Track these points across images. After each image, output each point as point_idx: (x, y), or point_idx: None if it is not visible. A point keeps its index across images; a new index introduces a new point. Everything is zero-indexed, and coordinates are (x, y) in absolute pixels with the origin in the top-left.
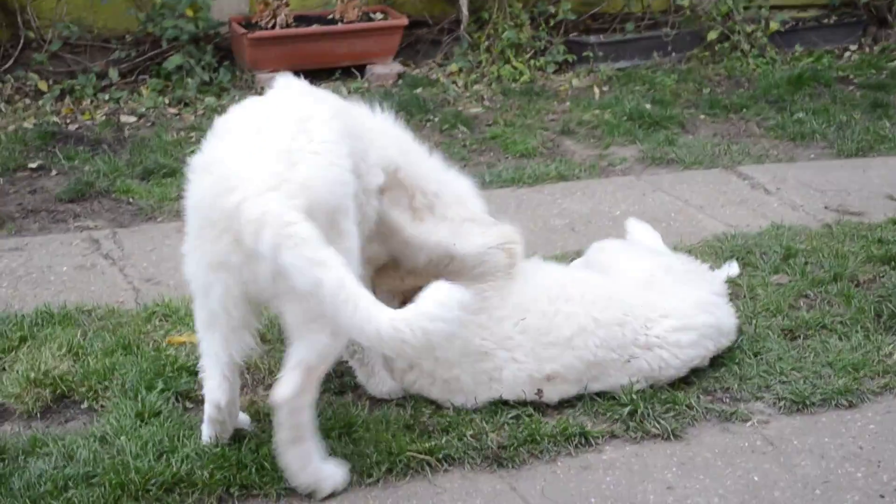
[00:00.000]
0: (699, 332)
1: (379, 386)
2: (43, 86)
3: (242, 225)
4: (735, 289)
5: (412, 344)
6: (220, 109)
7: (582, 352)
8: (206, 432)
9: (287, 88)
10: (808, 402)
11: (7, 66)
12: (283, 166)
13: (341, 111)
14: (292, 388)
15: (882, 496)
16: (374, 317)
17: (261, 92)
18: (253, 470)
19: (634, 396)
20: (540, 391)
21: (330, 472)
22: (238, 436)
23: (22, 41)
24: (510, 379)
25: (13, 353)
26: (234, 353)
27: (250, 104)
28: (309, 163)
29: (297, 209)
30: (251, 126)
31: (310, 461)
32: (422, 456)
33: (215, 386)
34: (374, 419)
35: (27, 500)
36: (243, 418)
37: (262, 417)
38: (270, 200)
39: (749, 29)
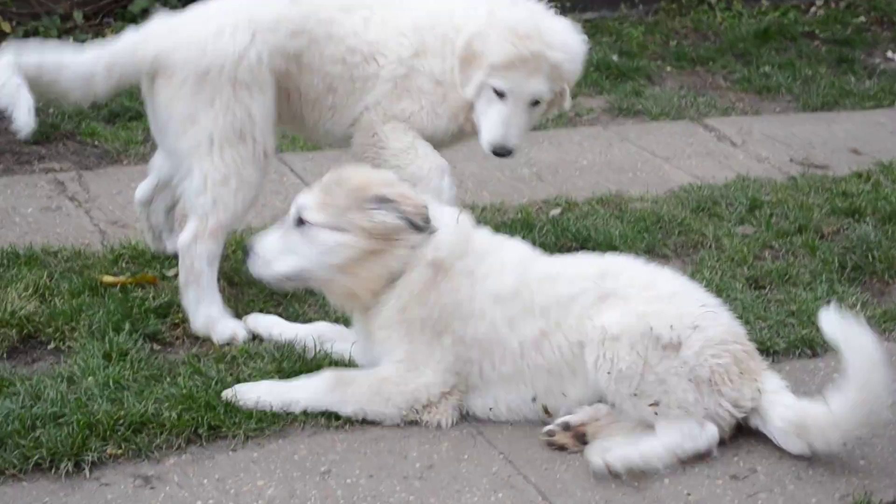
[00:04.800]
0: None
1: None
2: (6, 27)
3: None
4: (701, 238)
5: None
6: None
7: None
8: None
9: None
10: (772, 351)
11: None
12: None
13: None
14: (187, 234)
15: (844, 444)
16: None
17: None
18: (221, 411)
19: None
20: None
21: (225, 323)
22: (206, 379)
23: None
24: None
25: None
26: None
27: None
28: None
29: None
30: None
31: (202, 304)
32: None
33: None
34: None
35: None
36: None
37: (230, 361)
38: None
39: None
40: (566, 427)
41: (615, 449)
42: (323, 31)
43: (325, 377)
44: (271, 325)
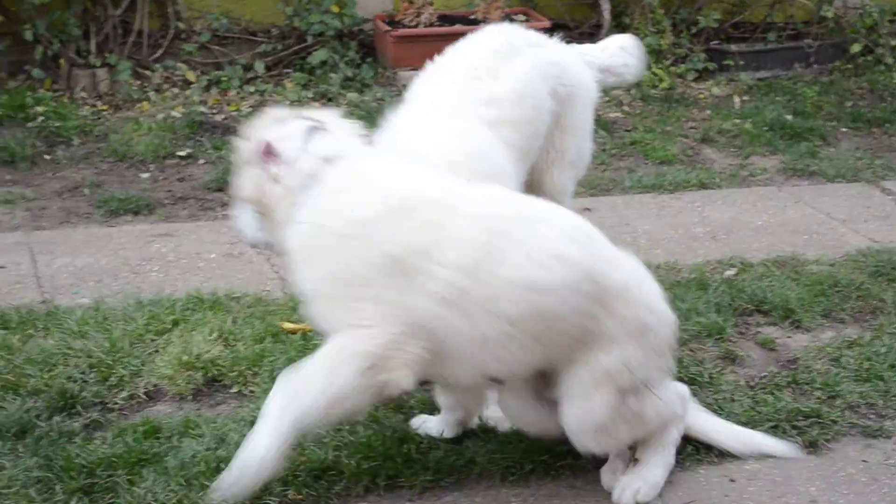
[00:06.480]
0: None
1: None
2: (191, 76)
3: None
4: (879, 304)
5: None
6: (363, 105)
7: None
8: None
9: None
10: None
11: (157, 55)
12: None
13: None
14: None
15: None
16: None
17: (402, 89)
18: (399, 461)
19: (778, 406)
20: None
21: None
22: (384, 428)
23: (172, 32)
24: None
25: (166, 335)
26: None
27: None
28: None
29: None
30: None
31: None
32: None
33: None
34: None
35: (181, 479)
36: None
37: (408, 411)
38: None
39: (894, 43)
40: None
41: None
42: None
43: None
44: None
